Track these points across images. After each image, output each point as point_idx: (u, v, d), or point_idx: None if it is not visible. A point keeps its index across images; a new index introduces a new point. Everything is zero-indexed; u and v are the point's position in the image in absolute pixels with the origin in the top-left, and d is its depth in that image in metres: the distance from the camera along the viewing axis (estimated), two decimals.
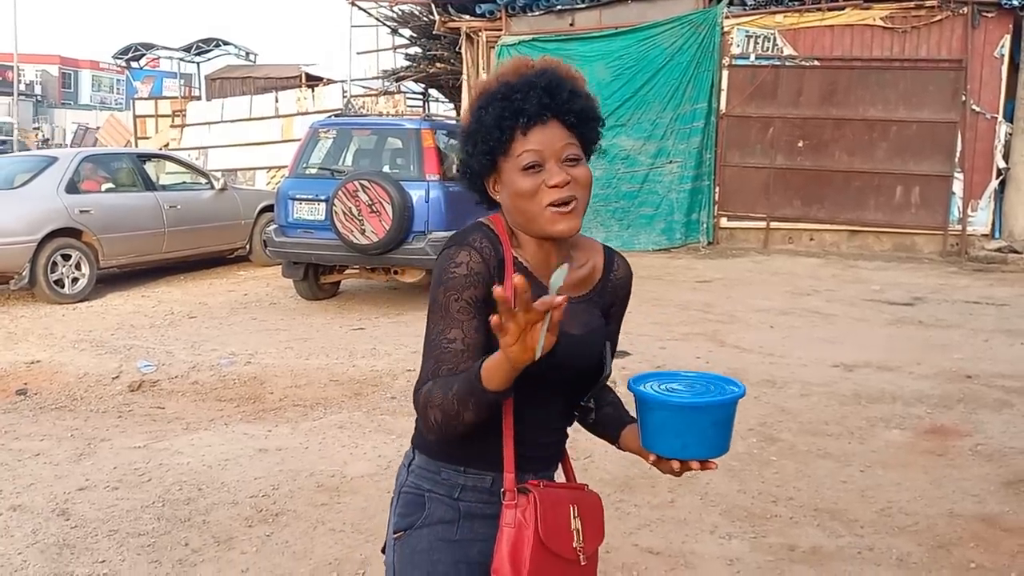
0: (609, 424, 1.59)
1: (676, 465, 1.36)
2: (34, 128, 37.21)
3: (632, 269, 1.66)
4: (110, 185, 9.31)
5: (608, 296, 1.59)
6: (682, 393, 1.38)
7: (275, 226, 8.05)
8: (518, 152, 1.42)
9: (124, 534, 3.39)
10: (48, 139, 35.65)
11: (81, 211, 8.43)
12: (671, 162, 12.67)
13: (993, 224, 11.83)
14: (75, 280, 8.33)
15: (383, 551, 1.57)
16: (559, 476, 1.65)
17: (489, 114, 1.43)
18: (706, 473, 4.09)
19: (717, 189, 12.67)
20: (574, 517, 1.48)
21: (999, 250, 11.45)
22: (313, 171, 8.16)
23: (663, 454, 1.37)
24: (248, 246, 10.58)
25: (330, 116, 10.03)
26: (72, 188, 8.51)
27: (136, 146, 19.63)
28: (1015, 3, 11.28)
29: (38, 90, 46.56)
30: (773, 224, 12.53)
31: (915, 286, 9.48)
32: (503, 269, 1.43)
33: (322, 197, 7.57)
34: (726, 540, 3.45)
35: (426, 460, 1.53)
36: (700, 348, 6.55)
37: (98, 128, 28.12)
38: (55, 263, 8.13)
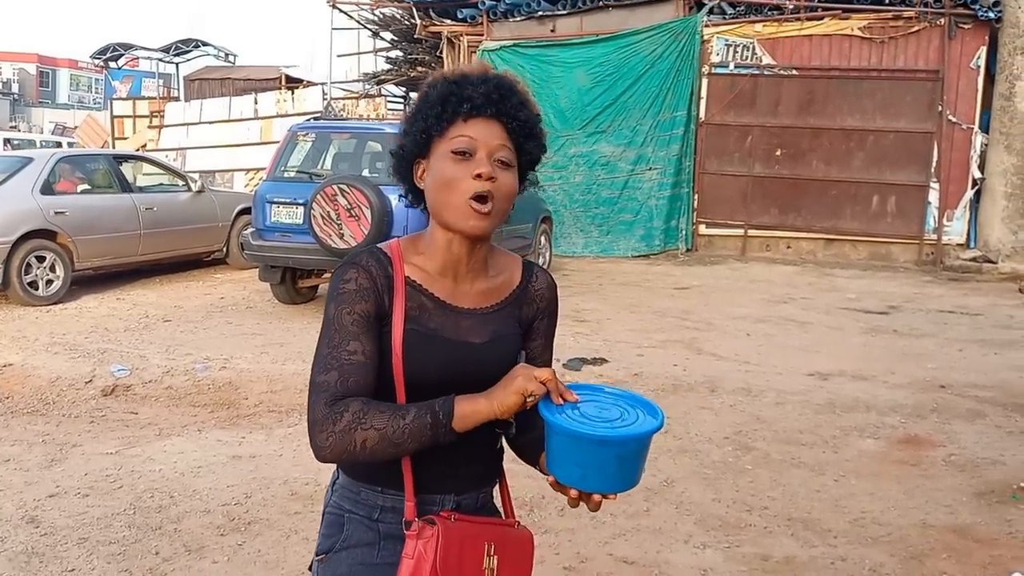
0: (529, 447, 1.50)
1: (574, 493, 1.32)
2: (11, 126, 36.78)
3: (556, 283, 1.62)
4: (86, 186, 9.21)
5: (526, 308, 1.55)
6: (592, 420, 1.30)
7: (252, 229, 8.00)
8: (453, 135, 1.39)
9: (94, 542, 3.35)
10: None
11: (56, 212, 8.34)
12: (651, 169, 12.72)
13: (968, 234, 11.96)
14: (49, 282, 8.23)
15: (310, 569, 1.53)
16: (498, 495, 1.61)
17: (436, 91, 1.41)
18: (681, 481, 4.12)
19: (696, 196, 12.73)
20: (489, 555, 1.42)
21: (974, 260, 11.59)
22: (291, 174, 8.12)
23: (561, 481, 1.33)
24: (225, 249, 10.50)
25: (309, 119, 9.97)
26: (47, 189, 8.41)
27: (114, 147, 19.45)
28: (991, 15, 11.42)
29: (15, 89, 46.02)
30: (751, 232, 12.61)
31: (890, 295, 9.57)
32: (392, 287, 1.41)
33: (300, 201, 7.52)
34: (700, 550, 3.46)
35: (348, 480, 1.49)
36: (677, 355, 6.57)
37: (75, 128, 27.84)
38: (29, 265, 8.03)
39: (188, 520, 3.56)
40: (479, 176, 1.37)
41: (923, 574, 3.29)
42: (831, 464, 4.40)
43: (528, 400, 1.31)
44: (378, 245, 1.47)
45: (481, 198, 1.37)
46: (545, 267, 10.29)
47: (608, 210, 12.82)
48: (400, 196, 1.52)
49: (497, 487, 1.59)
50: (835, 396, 5.56)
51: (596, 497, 1.32)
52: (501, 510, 1.59)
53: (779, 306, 8.76)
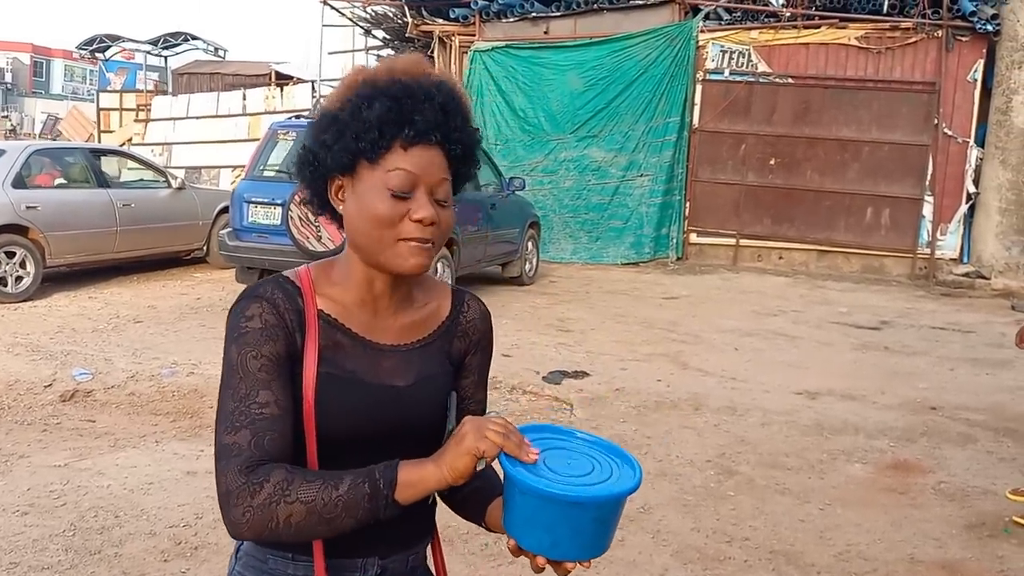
0: (473, 500, 1.32)
1: (541, 561, 1.13)
2: (2, 116, 36.42)
3: (489, 311, 1.41)
4: (61, 180, 8.96)
5: (457, 342, 1.34)
6: (561, 475, 1.12)
7: (229, 229, 7.78)
8: (390, 167, 1.18)
9: (26, 567, 3.12)
10: (16, 128, 34.89)
11: (28, 207, 8.09)
12: (642, 175, 12.53)
13: (962, 249, 11.81)
14: (19, 279, 7.99)
15: None
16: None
17: (373, 111, 1.18)
18: (660, 508, 3.92)
19: (688, 204, 12.55)
20: None
21: (967, 275, 11.43)
22: (270, 174, 7.90)
23: (527, 548, 1.13)
24: (205, 247, 10.27)
25: (291, 117, 9.75)
26: (19, 183, 8.16)
27: (99, 140, 19.19)
28: (989, 28, 11.27)
29: (8, 78, 45.62)
30: (743, 241, 12.43)
31: (882, 309, 9.39)
32: (303, 323, 1.21)
33: (278, 201, 7.31)
34: None
35: (253, 547, 1.28)
36: (661, 370, 6.37)
37: (59, 119, 27.54)
38: None
39: (131, 544, 3.33)
40: (419, 221, 1.18)
41: None
42: (817, 491, 4.21)
43: (480, 463, 1.12)
44: (284, 273, 1.26)
45: (421, 240, 1.19)
46: (531, 273, 10.10)
47: (598, 216, 12.63)
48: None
49: (429, 546, 1.39)
50: (823, 417, 5.37)
51: (568, 564, 1.13)
52: (434, 573, 1.39)
53: (769, 319, 8.58)
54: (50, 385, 5.41)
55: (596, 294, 9.74)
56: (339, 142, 1.20)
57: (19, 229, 8.02)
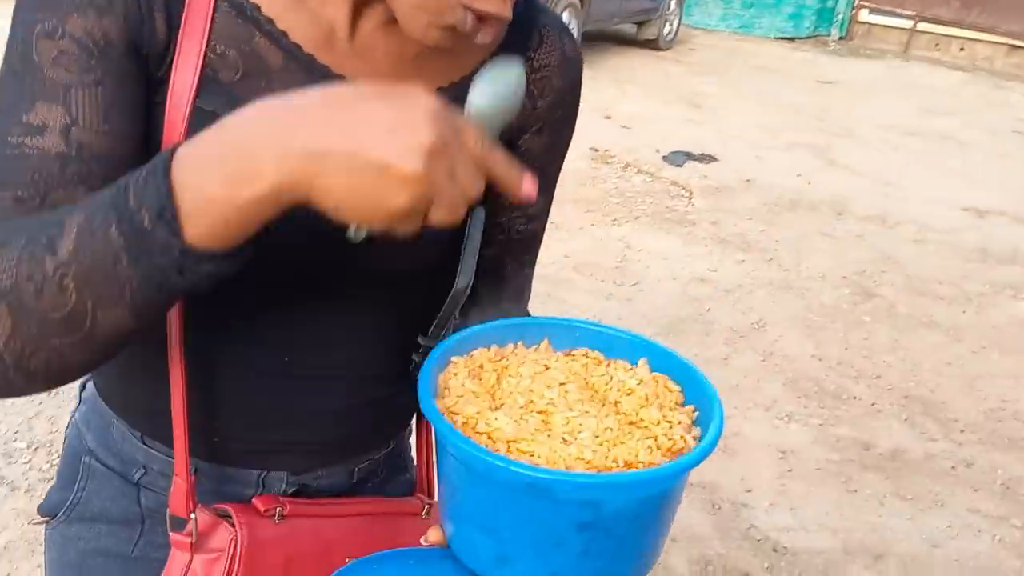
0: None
1: None
2: None
3: (581, 59, 0.74)
4: None
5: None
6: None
7: None
8: None
9: None
10: None
11: None
12: None
13: None
14: None
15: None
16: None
17: None
18: (778, 326, 3.33)
19: None
20: None
21: None
22: None
23: (462, 559, 0.58)
24: None
25: None
26: None
27: None
28: None
29: None
30: (920, 25, 10.80)
31: None
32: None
33: None
34: (784, 423, 2.73)
35: (95, 396, 0.77)
36: (803, 163, 5.54)
37: None
38: None
39: None
40: None
41: None
42: (971, 329, 3.52)
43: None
44: None
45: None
46: (670, 37, 9.04)
47: None
48: None
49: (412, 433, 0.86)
50: (990, 240, 4.54)
51: None
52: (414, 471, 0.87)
53: (938, 119, 7.41)
54: None
55: (740, 69, 8.64)
56: None
57: None
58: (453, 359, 0.62)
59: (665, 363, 0.63)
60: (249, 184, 0.45)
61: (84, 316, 0.48)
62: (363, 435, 0.77)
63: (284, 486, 0.74)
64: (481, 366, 0.62)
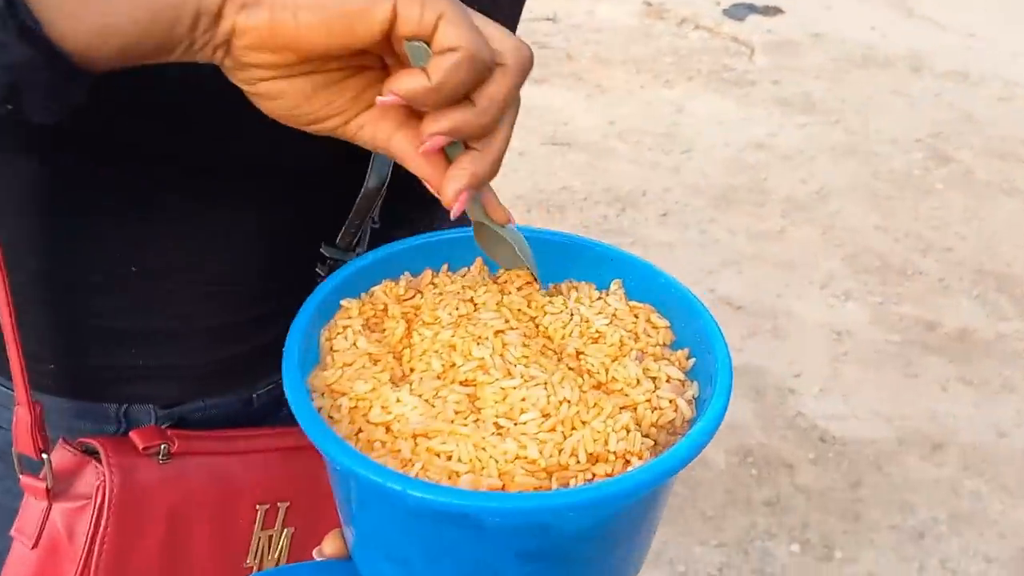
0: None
1: None
2: None
3: None
4: None
5: None
6: None
7: None
8: None
9: None
10: None
11: None
12: None
13: None
14: None
15: None
16: None
17: None
18: (840, 195, 3.08)
19: None
20: (264, 526, 0.60)
21: None
22: None
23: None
24: None
25: None
26: None
27: None
28: None
29: None
30: None
31: None
32: None
33: None
34: (840, 301, 2.53)
35: None
36: (878, 14, 5.06)
37: None
38: None
39: None
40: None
41: None
42: None
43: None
44: None
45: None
46: None
47: None
48: None
49: None
50: None
51: None
52: None
53: None
54: None
55: None
56: None
57: None
58: (345, 303, 0.44)
59: (645, 285, 0.45)
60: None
61: None
62: (252, 357, 0.61)
63: (153, 421, 0.60)
64: (384, 310, 0.44)
